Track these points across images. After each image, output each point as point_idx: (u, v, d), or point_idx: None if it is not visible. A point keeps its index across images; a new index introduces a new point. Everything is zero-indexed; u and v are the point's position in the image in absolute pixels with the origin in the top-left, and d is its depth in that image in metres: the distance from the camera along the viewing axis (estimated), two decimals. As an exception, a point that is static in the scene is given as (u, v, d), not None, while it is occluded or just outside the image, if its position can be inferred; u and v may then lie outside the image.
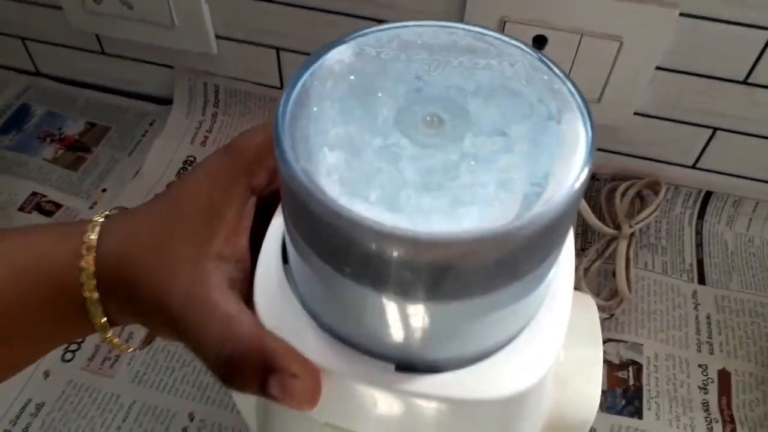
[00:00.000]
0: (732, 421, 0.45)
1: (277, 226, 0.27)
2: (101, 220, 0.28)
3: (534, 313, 0.25)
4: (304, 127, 0.20)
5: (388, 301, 0.21)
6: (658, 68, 0.48)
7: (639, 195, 0.56)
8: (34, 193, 0.57)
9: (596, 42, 0.47)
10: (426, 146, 0.20)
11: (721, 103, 0.50)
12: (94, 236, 0.27)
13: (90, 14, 0.57)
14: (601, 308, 0.49)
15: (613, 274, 0.50)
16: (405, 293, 0.20)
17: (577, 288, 0.31)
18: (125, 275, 0.27)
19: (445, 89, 0.22)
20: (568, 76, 0.22)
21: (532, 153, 0.20)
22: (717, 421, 0.45)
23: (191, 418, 0.45)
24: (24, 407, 0.45)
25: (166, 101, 0.63)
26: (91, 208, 0.57)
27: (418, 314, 0.22)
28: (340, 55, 0.23)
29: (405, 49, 0.23)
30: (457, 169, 0.20)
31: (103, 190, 0.58)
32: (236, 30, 0.56)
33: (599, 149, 0.55)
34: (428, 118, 0.21)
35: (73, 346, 0.48)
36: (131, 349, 0.31)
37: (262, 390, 0.23)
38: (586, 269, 0.51)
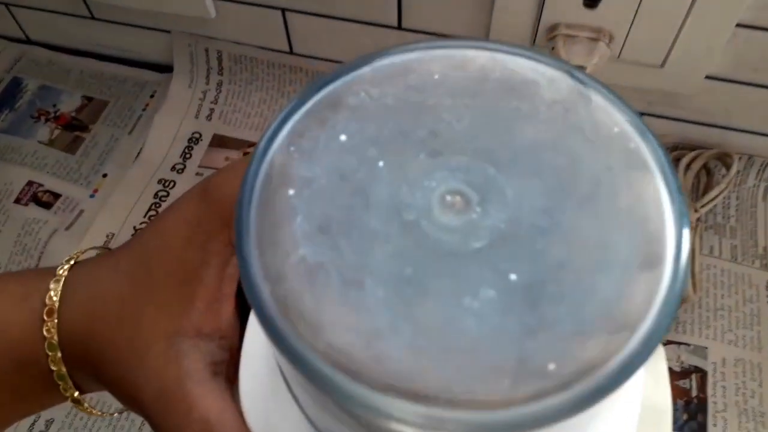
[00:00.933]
0: (812, 439, 0.40)
1: None
2: (65, 274, 0.24)
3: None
4: (276, 223, 0.14)
5: None
6: (739, 25, 0.40)
7: (706, 168, 0.48)
8: (30, 182, 0.52)
9: (663, -4, 0.38)
10: (445, 258, 0.14)
11: (814, 63, 0.41)
12: (56, 297, 0.23)
13: (71, -23, 0.50)
14: None
15: None
16: None
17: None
18: (91, 351, 0.23)
19: (472, 153, 0.15)
20: (647, 127, 0.16)
21: (603, 274, 0.14)
22: (794, 440, 0.40)
23: None
24: (33, 425, 0.42)
25: (167, 69, 0.57)
26: (92, 196, 0.52)
27: None
28: (328, 102, 0.16)
29: (416, 90, 0.16)
30: (489, 288, 0.14)
31: (104, 176, 0.53)
32: (235, -10, 0.49)
33: (661, 116, 0.47)
34: (448, 198, 0.15)
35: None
36: (110, 416, 0.27)
37: None
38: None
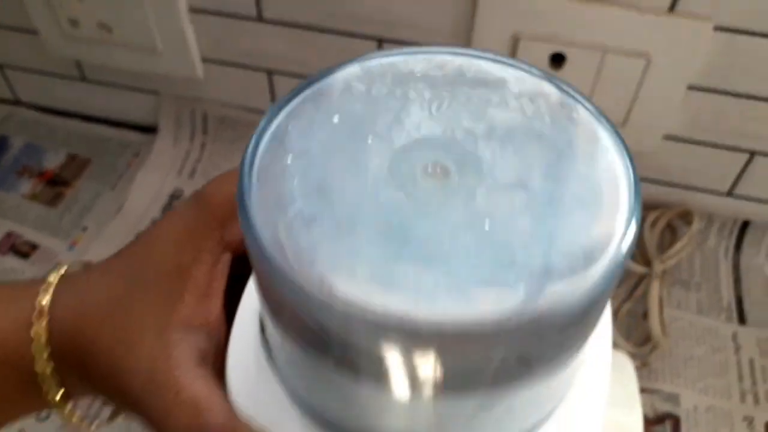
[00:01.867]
0: (787, 486, 0.40)
1: (254, 288, 0.22)
2: (55, 281, 0.24)
3: (562, 396, 0.20)
4: (275, 183, 0.16)
5: (386, 396, 0.16)
6: (690, 87, 0.43)
7: (669, 226, 0.51)
8: (10, 233, 0.53)
9: (621, 60, 0.42)
10: (427, 204, 0.15)
11: (760, 125, 0.45)
12: (46, 300, 0.24)
13: (67, 38, 0.53)
14: (632, 355, 0.44)
15: (644, 316, 0.45)
16: (405, 387, 0.15)
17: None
18: (80, 346, 0.23)
19: (450, 132, 0.17)
20: (602, 114, 0.18)
21: (563, 212, 0.15)
22: (769, 487, 0.40)
23: None
24: None
25: (151, 130, 0.59)
26: (70, 249, 0.52)
27: (424, 409, 0.17)
28: (322, 92, 0.18)
29: (401, 83, 0.18)
30: (466, 235, 0.15)
31: (84, 229, 0.53)
32: (224, 52, 0.52)
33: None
34: (430, 169, 0.16)
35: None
36: (93, 428, 0.27)
37: None
38: (615, 312, 0.46)
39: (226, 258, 0.23)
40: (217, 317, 0.23)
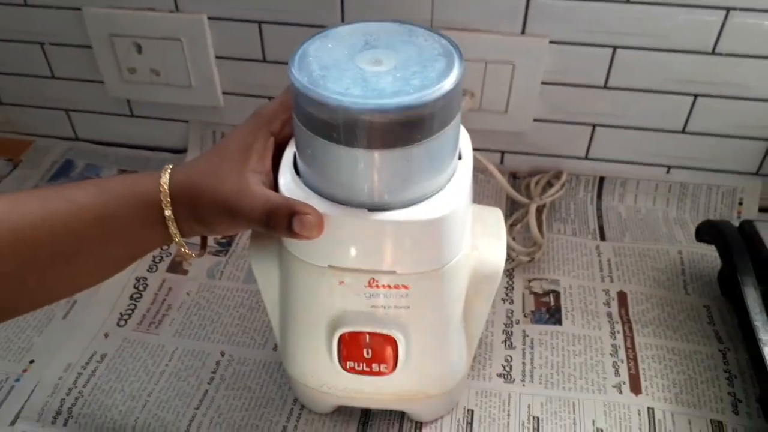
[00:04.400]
0: (629, 321, 0.61)
1: (289, 152, 0.44)
2: (170, 167, 0.44)
3: (449, 177, 0.42)
4: (305, 65, 0.38)
5: (353, 154, 0.37)
6: (543, 83, 0.68)
7: (549, 183, 0.74)
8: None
9: (497, 67, 0.67)
10: (373, 71, 0.38)
11: (592, 105, 0.69)
12: (166, 175, 0.42)
13: (126, 83, 0.75)
14: (524, 254, 0.66)
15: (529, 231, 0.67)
16: (364, 144, 0.37)
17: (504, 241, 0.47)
18: (190, 191, 0.41)
19: (386, 49, 0.40)
20: (451, 40, 0.41)
21: (430, 71, 0.38)
22: (617, 323, 0.61)
23: (222, 354, 0.59)
24: (91, 357, 0.59)
25: (182, 151, 0.81)
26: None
27: (377, 162, 0.38)
28: (326, 35, 0.41)
29: (363, 32, 0.41)
30: (389, 78, 0.37)
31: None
32: (238, 86, 0.75)
33: (515, 152, 0.74)
34: (374, 59, 0.39)
35: (126, 315, 0.62)
36: (193, 256, 0.46)
37: (289, 228, 0.39)
38: (511, 228, 0.68)
39: (272, 141, 0.44)
40: (268, 169, 0.43)
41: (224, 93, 0.76)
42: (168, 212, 0.41)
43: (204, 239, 0.47)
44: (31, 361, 0.58)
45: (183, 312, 0.62)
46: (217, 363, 0.58)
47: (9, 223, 0.38)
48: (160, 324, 0.61)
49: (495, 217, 0.49)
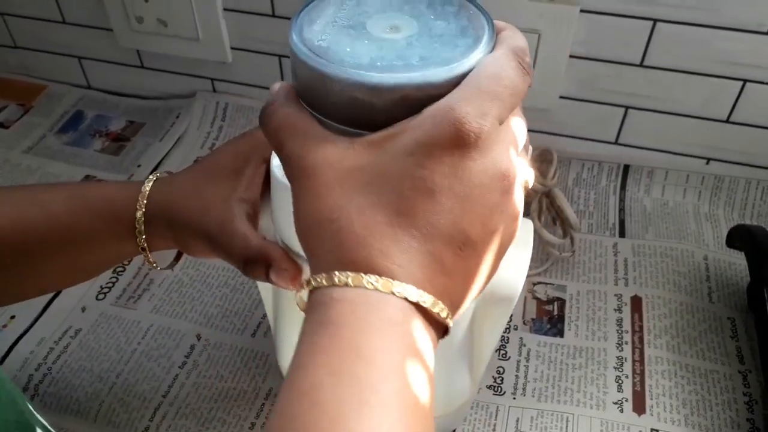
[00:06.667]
0: (641, 330, 0.55)
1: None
2: (154, 178, 0.41)
3: None
4: (309, 32, 0.32)
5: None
6: (571, 56, 0.61)
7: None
8: (87, 176, 0.71)
9: (520, 36, 0.60)
10: (389, 40, 0.31)
11: (626, 84, 0.62)
12: (147, 188, 0.40)
13: (134, 33, 0.72)
14: (564, 248, 0.61)
15: (558, 214, 0.61)
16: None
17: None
18: (170, 211, 0.40)
19: (400, 13, 0.33)
20: (480, 7, 0.35)
21: (451, 41, 0.31)
22: (627, 332, 0.55)
23: (198, 338, 0.55)
24: (65, 332, 0.56)
25: (188, 96, 0.78)
26: (129, 178, 0.70)
27: None
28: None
29: (366, 4, 0.35)
30: (406, 50, 0.31)
31: (138, 166, 0.72)
32: (246, 41, 0.71)
33: (537, 131, 0.68)
34: (389, 27, 0.33)
35: (105, 288, 0.60)
36: (160, 268, 0.43)
37: (267, 276, 0.36)
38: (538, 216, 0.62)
39: (263, 168, 0.40)
40: (257, 197, 0.39)
41: (233, 48, 0.72)
42: (140, 226, 0.40)
43: (179, 253, 0.45)
44: (12, 317, 0.58)
45: (164, 288, 0.60)
46: (192, 347, 0.55)
47: None
48: (139, 299, 0.59)
49: (524, 228, 0.42)
